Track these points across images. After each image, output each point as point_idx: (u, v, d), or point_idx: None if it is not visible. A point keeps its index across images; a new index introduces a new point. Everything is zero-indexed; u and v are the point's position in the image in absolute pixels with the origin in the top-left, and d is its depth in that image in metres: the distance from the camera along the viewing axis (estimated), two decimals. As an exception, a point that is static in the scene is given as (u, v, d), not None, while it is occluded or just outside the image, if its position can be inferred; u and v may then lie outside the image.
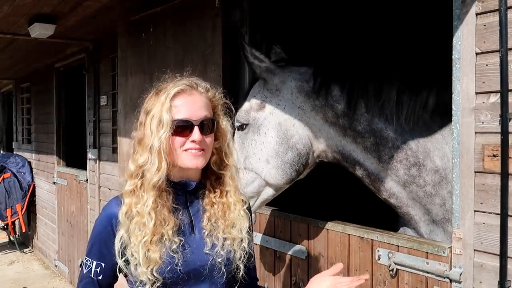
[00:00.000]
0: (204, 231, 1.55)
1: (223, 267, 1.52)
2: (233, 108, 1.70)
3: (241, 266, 1.56)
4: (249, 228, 1.62)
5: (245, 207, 1.63)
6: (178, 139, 1.49)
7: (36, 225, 7.94)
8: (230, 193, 1.60)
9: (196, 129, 1.49)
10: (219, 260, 1.52)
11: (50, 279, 6.79)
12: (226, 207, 1.58)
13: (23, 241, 8.72)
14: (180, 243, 1.49)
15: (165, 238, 1.47)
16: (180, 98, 1.51)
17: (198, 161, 1.50)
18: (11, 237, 8.45)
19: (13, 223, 8.09)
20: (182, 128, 1.48)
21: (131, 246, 1.46)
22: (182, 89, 1.52)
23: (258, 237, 2.82)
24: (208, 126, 1.53)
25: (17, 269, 7.34)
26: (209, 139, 1.53)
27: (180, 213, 1.54)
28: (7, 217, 7.72)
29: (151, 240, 1.45)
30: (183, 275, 1.47)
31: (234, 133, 1.67)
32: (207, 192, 1.60)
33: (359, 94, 2.20)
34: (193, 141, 1.48)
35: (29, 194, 7.81)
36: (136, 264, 1.45)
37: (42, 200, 7.59)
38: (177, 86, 1.52)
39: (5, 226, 8.31)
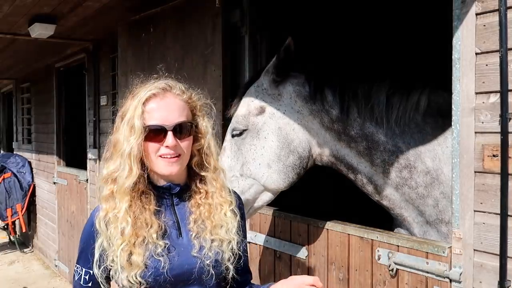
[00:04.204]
0: (191, 233, 1.52)
1: (211, 269, 1.49)
2: (214, 107, 1.66)
3: (231, 267, 1.53)
4: (239, 227, 1.58)
5: (232, 207, 1.58)
6: (152, 145, 1.47)
7: (36, 225, 7.95)
8: (216, 194, 1.56)
9: (169, 134, 1.45)
10: (207, 262, 1.48)
11: (50, 279, 6.80)
12: (212, 208, 1.55)
13: (23, 241, 8.73)
14: (165, 246, 1.46)
15: (148, 241, 1.44)
16: (153, 103, 1.47)
17: (173, 167, 1.47)
18: (11, 237, 8.46)
19: (13, 223, 8.10)
20: (155, 133, 1.46)
21: (112, 251, 1.43)
22: (154, 93, 1.48)
23: (258, 237, 2.82)
24: (184, 129, 1.49)
25: (17, 269, 7.34)
26: (185, 143, 1.50)
27: (166, 216, 1.52)
28: (7, 217, 7.73)
29: (134, 243, 1.42)
30: (170, 279, 1.44)
31: (215, 133, 1.64)
32: (192, 193, 1.58)
33: (350, 98, 2.20)
34: (167, 146, 1.45)
35: (29, 194, 7.82)
36: (117, 270, 1.42)
37: (42, 200, 7.59)
38: (150, 90, 1.48)
39: (5, 226, 8.32)
